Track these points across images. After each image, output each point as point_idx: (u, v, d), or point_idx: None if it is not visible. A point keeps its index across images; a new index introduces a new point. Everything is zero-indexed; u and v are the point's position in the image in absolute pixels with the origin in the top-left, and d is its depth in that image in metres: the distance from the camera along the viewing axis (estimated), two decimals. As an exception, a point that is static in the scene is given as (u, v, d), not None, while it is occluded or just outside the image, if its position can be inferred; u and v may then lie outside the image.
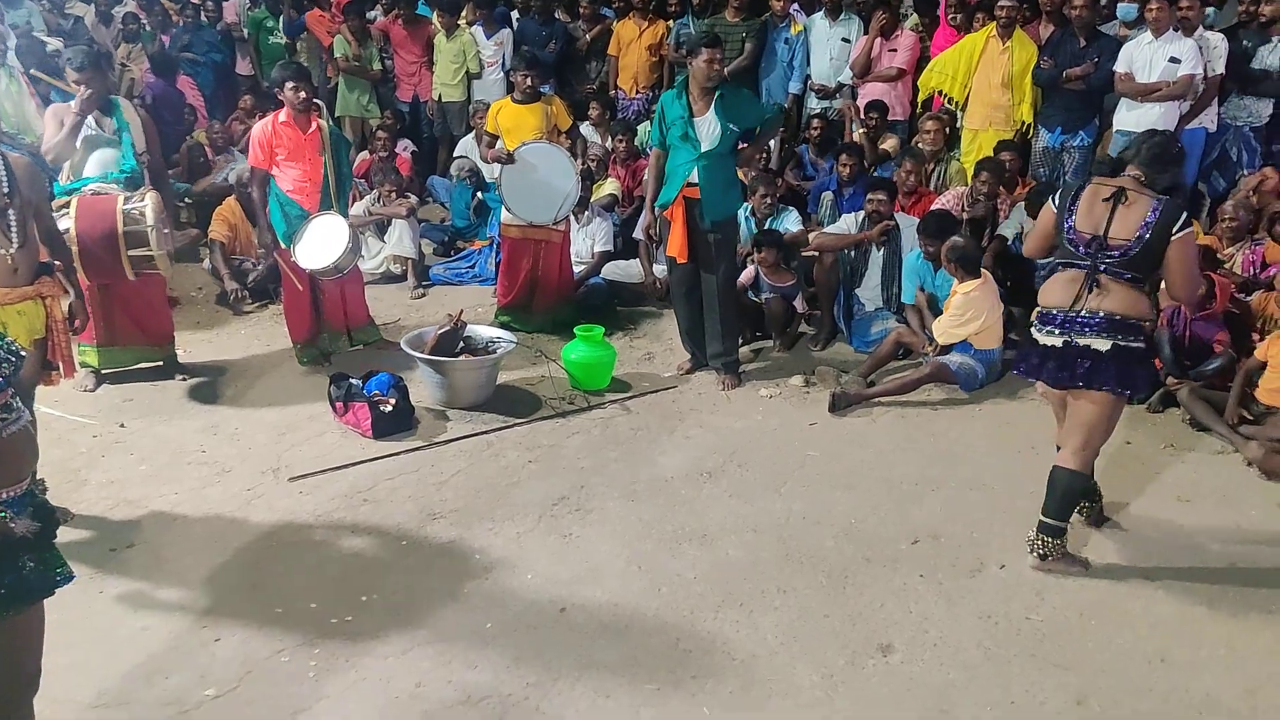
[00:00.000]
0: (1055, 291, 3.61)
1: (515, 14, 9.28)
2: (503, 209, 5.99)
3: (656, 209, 5.30)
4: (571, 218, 6.19)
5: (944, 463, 4.56)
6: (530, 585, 3.58)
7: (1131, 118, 6.46)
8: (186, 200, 7.73)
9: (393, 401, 4.75)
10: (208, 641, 3.26)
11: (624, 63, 8.56)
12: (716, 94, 5.00)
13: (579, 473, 4.41)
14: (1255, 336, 5.27)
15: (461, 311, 5.25)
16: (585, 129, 7.54)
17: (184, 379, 5.29)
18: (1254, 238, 6.06)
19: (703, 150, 5.01)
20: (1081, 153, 6.80)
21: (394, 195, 7.00)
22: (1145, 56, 6.38)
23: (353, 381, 4.88)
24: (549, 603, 3.48)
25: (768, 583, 3.61)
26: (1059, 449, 3.77)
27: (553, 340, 5.76)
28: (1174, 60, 6.28)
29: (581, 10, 8.92)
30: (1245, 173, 6.71)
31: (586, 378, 5.26)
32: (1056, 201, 3.68)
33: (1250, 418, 4.84)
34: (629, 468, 4.46)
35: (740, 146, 5.20)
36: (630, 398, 5.22)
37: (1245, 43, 6.52)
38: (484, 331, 5.35)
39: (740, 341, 5.67)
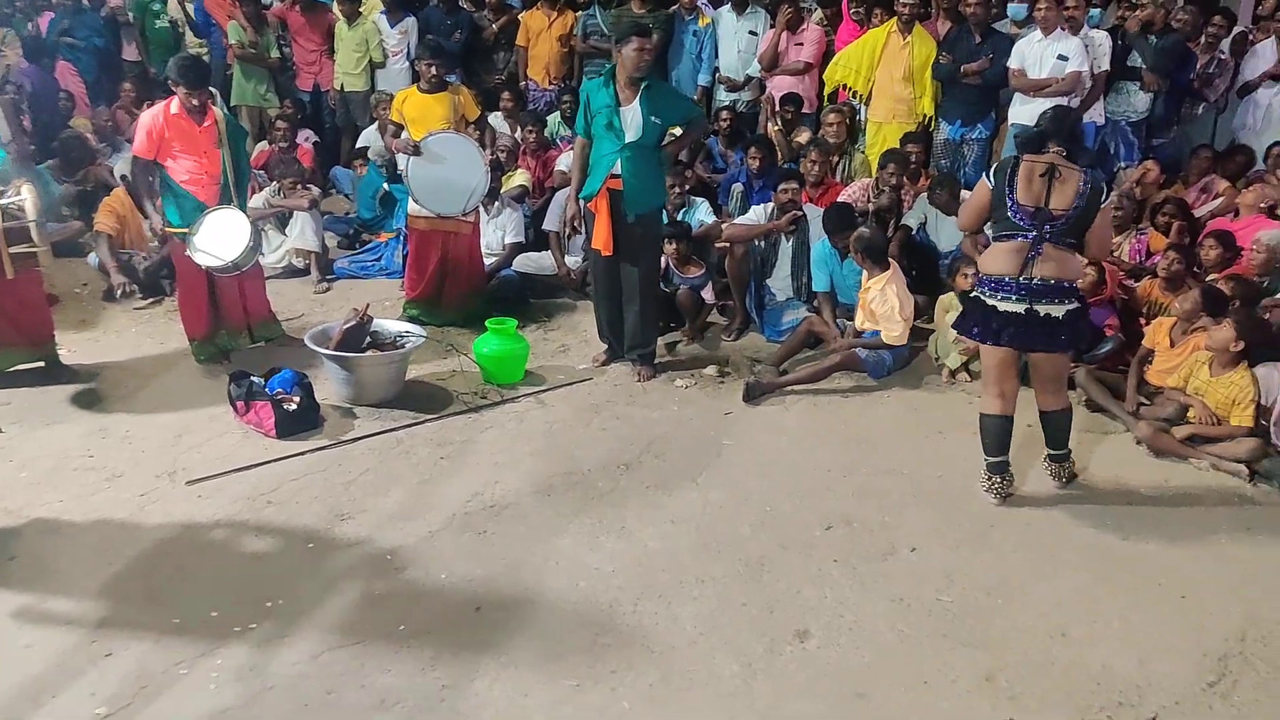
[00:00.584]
0: (1000, 260, 3.98)
1: (419, 2, 9.09)
2: (409, 200, 5.86)
3: (580, 200, 5.23)
4: (481, 209, 6.09)
5: (855, 449, 4.63)
6: (445, 584, 3.51)
7: (1025, 112, 6.66)
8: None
9: (297, 399, 4.60)
10: (98, 656, 3.09)
11: (534, 54, 8.48)
12: (643, 85, 4.95)
13: (493, 468, 4.35)
14: (1141, 321, 5.51)
15: (368, 305, 5.12)
16: (494, 119, 7.45)
17: (69, 381, 5.02)
18: (1138, 227, 6.35)
19: (627, 141, 4.95)
20: (980, 144, 7.01)
21: (295, 187, 6.78)
22: (1036, 54, 6.60)
23: (254, 379, 4.71)
24: (464, 601, 3.41)
25: (686, 573, 3.61)
26: (994, 401, 4.18)
27: (464, 334, 5.67)
28: (1062, 58, 6.52)
29: (487, 0, 8.80)
30: (1123, 165, 7.03)
31: (499, 371, 5.18)
32: (993, 179, 4.01)
33: (1147, 402, 5.05)
34: (544, 462, 4.41)
35: (663, 143, 5.16)
36: (545, 391, 5.16)
37: (1122, 40, 6.82)
38: (392, 326, 5.22)
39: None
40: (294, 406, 4.58)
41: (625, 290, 5.30)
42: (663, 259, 5.90)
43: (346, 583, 3.50)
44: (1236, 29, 7.43)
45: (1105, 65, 6.72)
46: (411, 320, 5.65)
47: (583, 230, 5.40)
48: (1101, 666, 3.18)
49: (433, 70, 5.75)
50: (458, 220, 5.80)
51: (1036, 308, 3.90)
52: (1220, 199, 6.43)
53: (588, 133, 5.11)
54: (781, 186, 6.07)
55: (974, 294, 4.11)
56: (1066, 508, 4.15)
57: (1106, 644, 3.29)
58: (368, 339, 5.02)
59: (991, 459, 4.17)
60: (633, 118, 4.95)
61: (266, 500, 4.02)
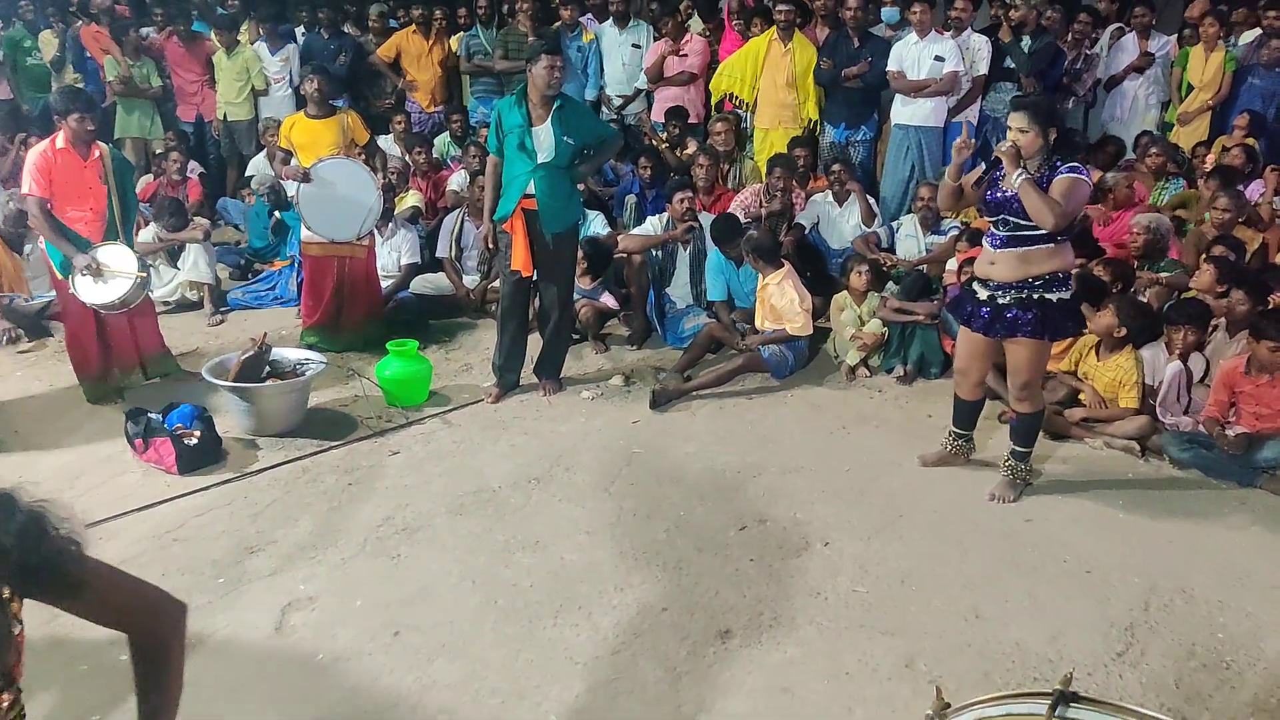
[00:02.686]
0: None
1: (301, 29, 8.92)
2: (302, 227, 5.74)
3: (494, 221, 5.13)
4: (375, 232, 5.99)
5: (763, 449, 4.69)
6: (360, 611, 3.43)
7: (906, 112, 6.90)
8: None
9: (197, 434, 4.45)
10: None
11: (417, 79, 8.39)
12: (556, 105, 4.89)
13: (402, 491, 4.27)
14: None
15: (265, 335, 4.99)
16: (385, 142, 7.35)
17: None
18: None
19: (539, 162, 4.88)
20: (865, 146, 7.21)
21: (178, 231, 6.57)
22: (913, 56, 6.83)
23: (151, 416, 4.54)
24: (381, 627, 3.34)
25: (605, 583, 3.60)
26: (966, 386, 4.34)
27: (364, 358, 5.57)
28: (939, 59, 6.75)
29: (371, 24, 8.70)
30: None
31: (403, 394, 5.10)
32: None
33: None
34: (454, 481, 4.35)
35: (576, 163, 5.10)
36: (450, 410, 5.10)
37: (997, 40, 7.09)
38: (290, 354, 5.10)
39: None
40: (195, 441, 4.43)
41: (542, 308, 5.25)
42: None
43: (258, 616, 3.39)
44: (1113, 25, 7.82)
45: (983, 69, 6.96)
46: (310, 347, 5.51)
47: (497, 249, 5.26)
48: (1015, 644, 3.27)
49: (316, 85, 5.65)
50: (352, 244, 5.70)
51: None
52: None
53: (500, 152, 5.02)
54: (678, 197, 6.13)
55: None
56: (971, 493, 4.27)
57: (1018, 622, 3.39)
58: (267, 369, 4.90)
59: (953, 428, 4.47)
60: (545, 138, 4.86)
61: (172, 538, 3.88)
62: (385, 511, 4.09)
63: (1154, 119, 7.72)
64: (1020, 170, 3.82)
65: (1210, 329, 5.01)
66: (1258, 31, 7.53)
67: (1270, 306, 4.84)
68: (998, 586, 3.60)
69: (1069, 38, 7.47)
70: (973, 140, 4.25)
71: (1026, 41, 7.06)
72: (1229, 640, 3.30)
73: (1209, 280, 5.17)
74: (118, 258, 4.87)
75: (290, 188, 5.87)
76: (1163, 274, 5.59)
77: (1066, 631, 3.34)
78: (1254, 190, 6.48)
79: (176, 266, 6.58)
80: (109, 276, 4.84)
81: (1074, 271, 4.07)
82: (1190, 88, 7.50)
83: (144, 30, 8.74)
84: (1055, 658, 3.21)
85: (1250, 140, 6.90)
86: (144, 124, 8.46)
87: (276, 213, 7.31)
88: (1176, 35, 7.80)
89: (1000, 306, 3.98)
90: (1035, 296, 3.92)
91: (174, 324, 6.04)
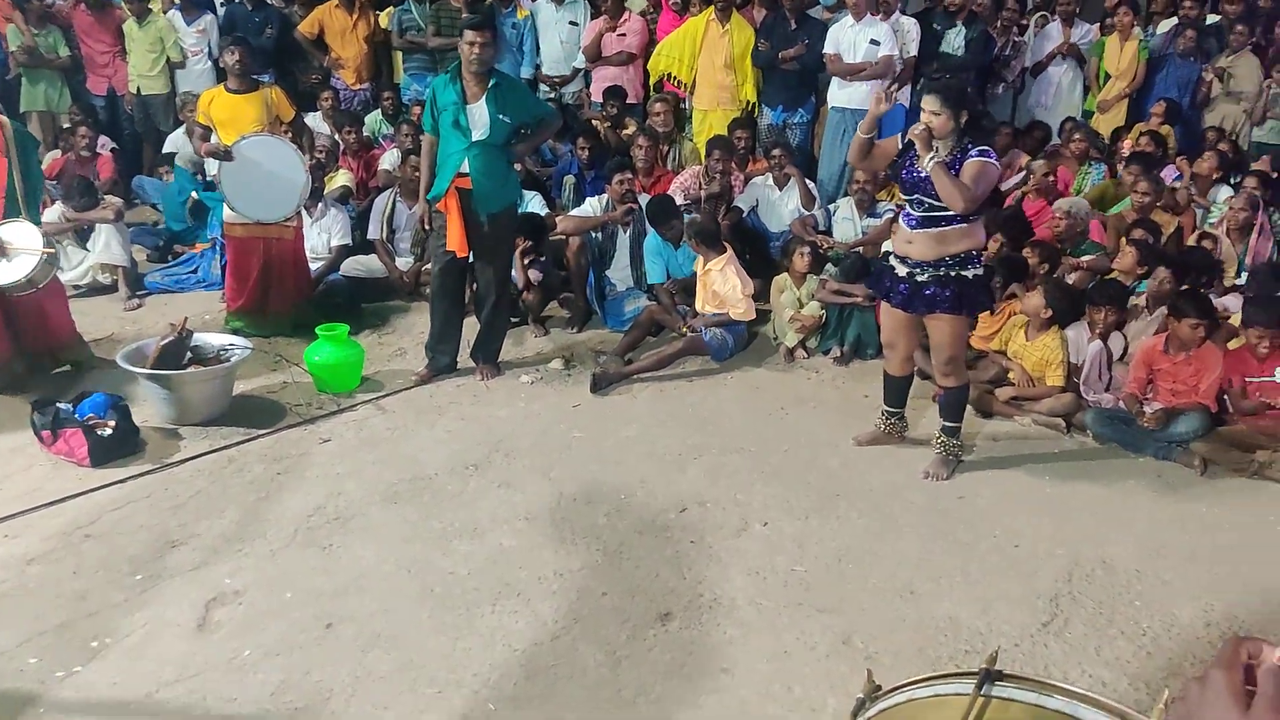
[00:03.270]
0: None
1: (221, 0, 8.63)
2: (224, 208, 5.54)
3: (429, 200, 5.01)
4: (304, 212, 5.82)
5: (703, 431, 4.69)
6: (290, 604, 3.33)
7: (843, 95, 6.92)
8: None
9: (112, 424, 4.27)
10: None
11: (343, 55, 8.17)
12: (491, 83, 4.78)
13: (334, 479, 4.16)
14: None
15: (185, 320, 4.80)
16: (312, 120, 7.15)
17: None
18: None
19: (473, 139, 4.78)
20: (803, 129, 7.23)
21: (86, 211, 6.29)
22: (849, 39, 6.85)
23: (61, 406, 4.33)
24: (312, 620, 3.24)
25: (544, 568, 3.56)
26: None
27: (293, 343, 5.41)
28: (874, 42, 6.78)
29: (296, -6, 8.44)
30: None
31: (334, 379, 4.97)
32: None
33: (972, 366, 5.31)
34: (388, 469, 4.26)
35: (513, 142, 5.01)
36: (384, 396, 4.99)
37: (935, 25, 7.17)
38: (213, 339, 4.93)
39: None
40: (109, 431, 4.24)
41: (480, 290, 5.16)
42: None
43: (181, 613, 3.27)
44: (1038, 14, 7.96)
45: (913, 51, 7.05)
46: (235, 333, 5.33)
47: (431, 229, 5.14)
48: (948, 619, 3.33)
49: (236, 58, 5.45)
50: (279, 225, 5.52)
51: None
52: (1022, 173, 6.86)
53: (435, 130, 4.91)
54: (617, 178, 6.07)
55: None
56: (905, 471, 4.33)
57: (951, 597, 3.45)
58: (189, 355, 4.72)
59: (885, 406, 4.55)
60: (480, 115, 4.77)
61: (84, 534, 3.71)
62: (316, 501, 3.98)
63: (1078, 105, 7.89)
64: (932, 154, 3.89)
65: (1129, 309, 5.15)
66: (1174, 21, 7.75)
67: (1187, 287, 4.99)
68: (931, 563, 3.65)
69: (998, 24, 7.58)
70: (894, 91, 4.28)
71: (959, 29, 7.13)
72: (1146, 608, 3.41)
73: (1130, 262, 5.32)
74: (20, 235, 4.64)
75: (211, 166, 5.65)
76: (1084, 257, 5.72)
77: (996, 605, 3.40)
78: (1169, 175, 6.66)
79: (86, 248, 6.29)
80: (13, 254, 4.61)
81: (990, 251, 4.17)
82: (1109, 76, 7.68)
83: None
84: (986, 630, 3.27)
85: (1166, 128, 7.09)
86: (51, 96, 8.09)
87: (194, 193, 7.04)
88: (1099, 24, 7.97)
89: (919, 284, 4.07)
90: (951, 274, 4.03)
91: (85, 308, 5.79)
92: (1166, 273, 5.03)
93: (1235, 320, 4.91)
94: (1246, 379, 4.55)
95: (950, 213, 3.92)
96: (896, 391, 4.50)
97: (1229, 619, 3.36)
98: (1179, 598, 3.47)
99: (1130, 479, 4.36)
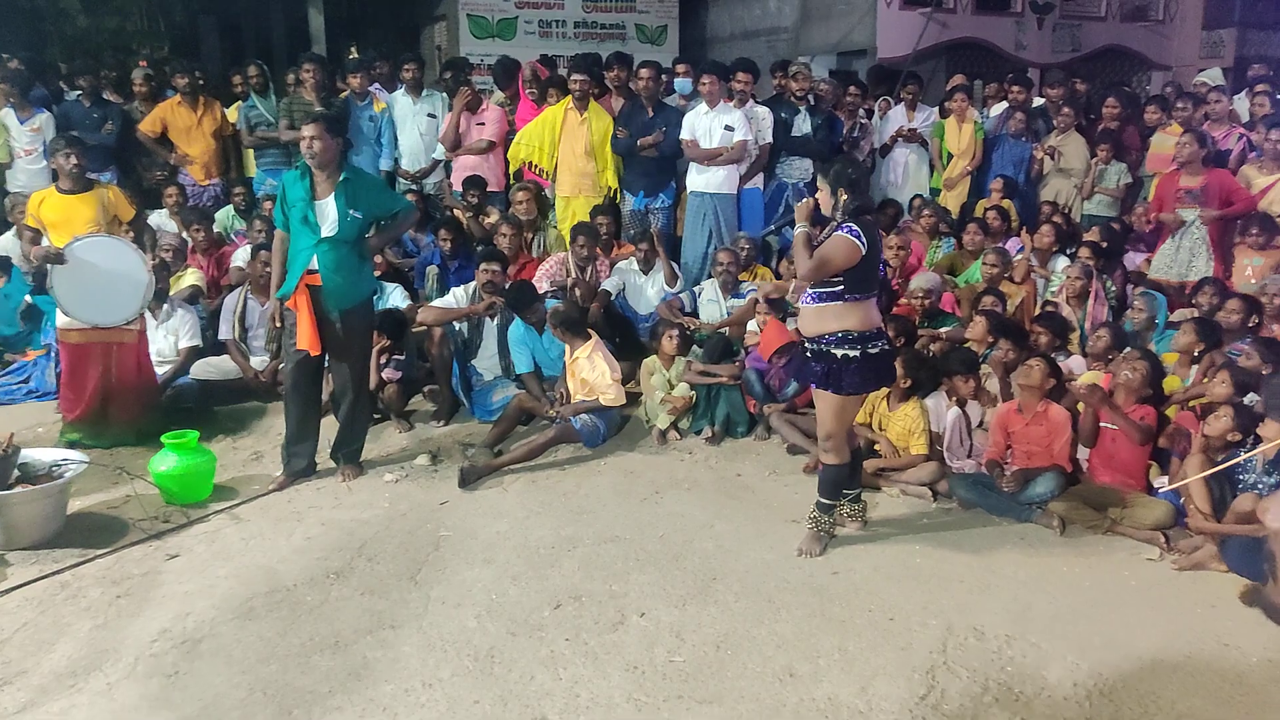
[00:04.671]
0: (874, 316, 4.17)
1: (58, 94, 8.27)
2: (58, 312, 5.22)
3: (279, 298, 4.83)
4: (148, 314, 5.55)
5: (577, 521, 4.58)
6: (128, 744, 3.04)
7: (701, 180, 7.09)
8: None
9: (-75, 554, 3.89)
10: None
11: (189, 152, 7.92)
12: (342, 177, 4.69)
13: (182, 598, 3.87)
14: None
15: (11, 435, 4.44)
16: (157, 218, 6.87)
17: None
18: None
19: (322, 235, 4.65)
20: (665, 213, 7.33)
21: None
22: (705, 125, 7.05)
23: None
24: (154, 759, 2.97)
25: (411, 679, 3.36)
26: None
27: (138, 453, 5.11)
28: (729, 128, 7.00)
29: (136, 89, 8.16)
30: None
31: (182, 490, 4.68)
32: (865, 242, 4.00)
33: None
34: (243, 583, 3.99)
35: (368, 236, 4.90)
36: (238, 505, 4.72)
37: (783, 114, 7.46)
38: (44, 455, 4.56)
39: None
40: (-79, 563, 3.86)
41: (336, 389, 4.99)
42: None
43: (-1, 766, 2.94)
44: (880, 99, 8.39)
45: (768, 137, 7.31)
46: (71, 445, 5.00)
47: (283, 327, 4.93)
48: (828, 700, 3.28)
49: (71, 161, 5.20)
50: (119, 329, 5.24)
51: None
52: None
53: (286, 226, 4.77)
54: (483, 267, 6.01)
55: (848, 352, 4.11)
56: (779, 550, 4.31)
57: (830, 677, 3.41)
58: (15, 473, 4.35)
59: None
60: (328, 211, 4.66)
61: (-113, 682, 3.33)
62: (161, 624, 3.68)
63: (924, 183, 8.31)
64: (801, 225, 4.08)
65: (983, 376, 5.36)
66: (1005, 105, 8.30)
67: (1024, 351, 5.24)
68: (809, 643, 3.62)
69: (845, 109, 7.95)
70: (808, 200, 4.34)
71: (804, 115, 7.44)
72: (1017, 673, 3.45)
73: (981, 331, 5.56)
74: None
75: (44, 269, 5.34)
76: (943, 329, 5.96)
77: (874, 681, 3.38)
78: (1013, 246, 7.05)
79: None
80: None
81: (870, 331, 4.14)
82: (951, 155, 8.13)
83: None
84: (866, 709, 3.24)
85: (1006, 202, 7.53)
86: None
87: (27, 297, 6.64)
88: (938, 107, 8.47)
89: (806, 358, 4.21)
90: (824, 350, 4.12)
91: (-96, 426, 5.33)
92: (1008, 343, 5.29)
93: (1084, 378, 5.14)
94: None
95: (833, 289, 4.05)
96: (842, 477, 4.40)
97: (1094, 676, 3.42)
98: (1048, 660, 3.52)
99: (995, 543, 4.45)
